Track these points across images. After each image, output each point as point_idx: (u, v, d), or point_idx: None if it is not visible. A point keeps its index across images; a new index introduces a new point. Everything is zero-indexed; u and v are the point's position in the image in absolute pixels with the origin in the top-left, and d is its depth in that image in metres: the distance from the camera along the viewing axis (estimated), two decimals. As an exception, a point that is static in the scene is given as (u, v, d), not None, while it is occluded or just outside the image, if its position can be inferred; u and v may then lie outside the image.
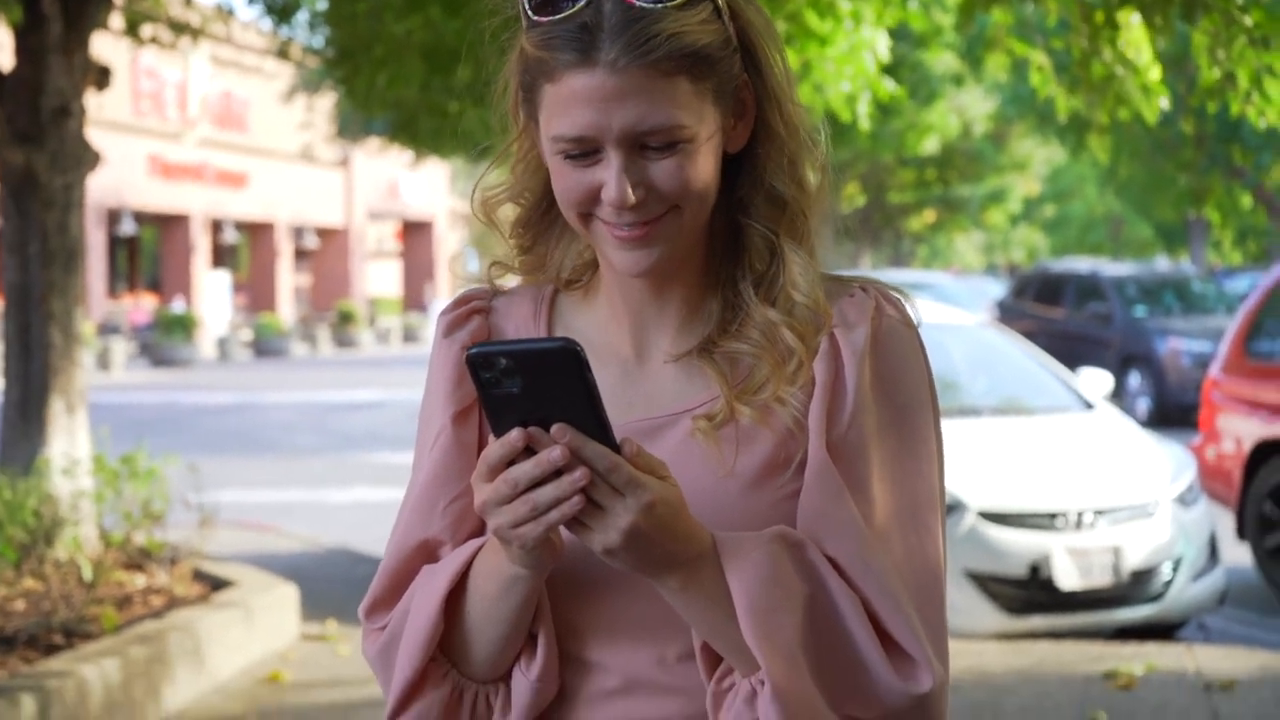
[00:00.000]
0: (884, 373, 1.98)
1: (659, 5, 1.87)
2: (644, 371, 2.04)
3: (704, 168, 1.92)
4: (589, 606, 1.96)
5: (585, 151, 1.91)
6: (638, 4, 1.87)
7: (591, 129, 1.88)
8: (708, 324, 2.02)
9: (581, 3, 1.87)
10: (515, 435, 1.74)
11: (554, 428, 1.74)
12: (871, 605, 1.88)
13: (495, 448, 1.76)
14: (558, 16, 1.88)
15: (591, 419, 1.74)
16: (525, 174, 2.08)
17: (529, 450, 1.75)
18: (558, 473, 1.73)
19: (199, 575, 8.97)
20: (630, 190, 1.89)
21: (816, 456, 1.92)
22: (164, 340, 39.86)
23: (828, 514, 1.90)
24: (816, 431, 1.93)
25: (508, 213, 2.13)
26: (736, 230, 2.02)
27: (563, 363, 1.72)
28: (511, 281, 2.18)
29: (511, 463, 1.75)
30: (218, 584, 8.85)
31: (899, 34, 27.10)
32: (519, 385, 1.73)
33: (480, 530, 1.99)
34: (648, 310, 2.04)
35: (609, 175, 1.90)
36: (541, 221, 2.11)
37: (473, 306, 2.13)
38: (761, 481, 1.94)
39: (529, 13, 1.91)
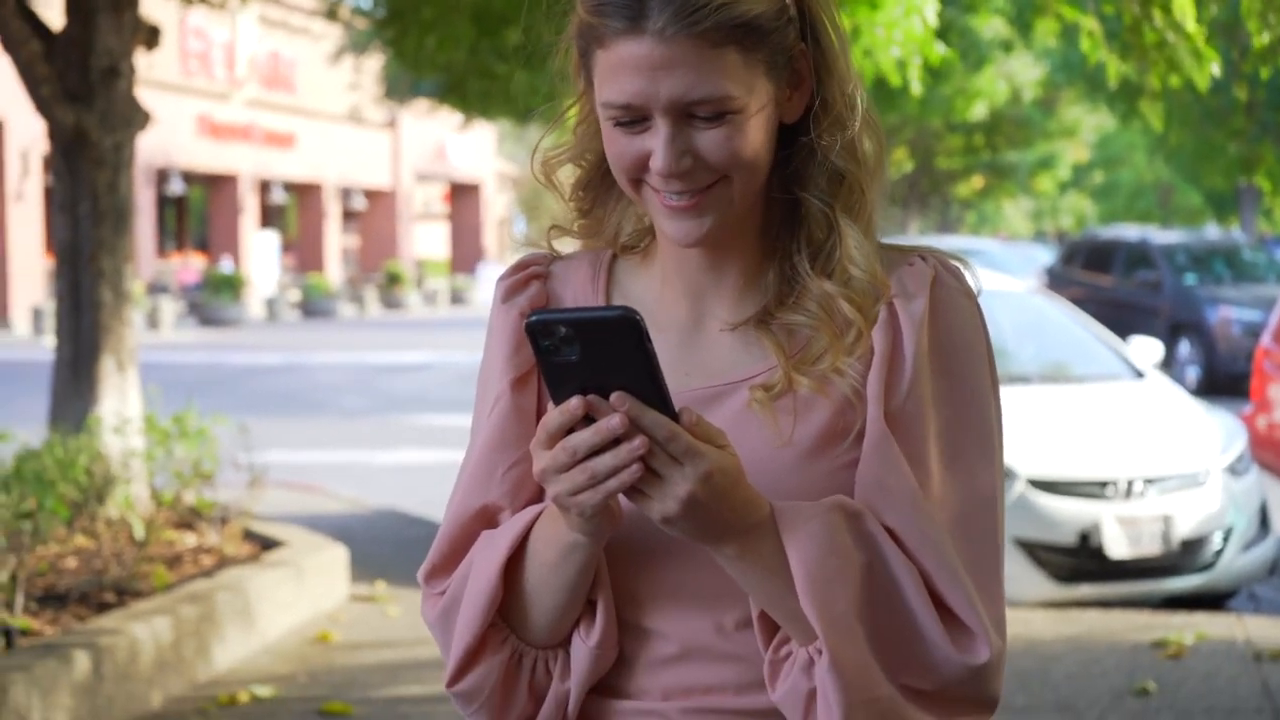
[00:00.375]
0: (943, 343, 1.97)
1: None
2: (701, 339, 2.02)
3: (754, 139, 1.90)
4: (647, 574, 1.96)
5: (634, 119, 1.90)
6: None
7: (639, 97, 1.87)
8: (765, 295, 2.01)
9: None
10: (574, 403, 1.74)
11: (613, 396, 1.73)
12: (929, 576, 1.87)
13: (554, 415, 1.75)
14: None
15: (650, 388, 1.74)
16: (586, 136, 2.07)
17: (588, 419, 1.74)
18: (616, 441, 1.73)
19: (249, 535, 9.01)
20: (677, 159, 1.88)
21: (874, 426, 1.91)
22: (212, 300, 40.06)
23: (886, 484, 1.89)
24: (875, 401, 1.91)
25: (567, 175, 2.12)
26: (794, 203, 2.01)
27: (622, 331, 1.71)
28: (568, 246, 2.17)
29: (570, 430, 1.75)
30: (267, 544, 8.89)
31: (948, -1, 26.95)
32: (578, 353, 1.72)
33: (539, 496, 1.99)
34: (705, 278, 2.03)
35: (657, 144, 1.89)
36: (601, 184, 2.09)
37: (531, 272, 2.12)
38: (819, 451, 1.93)
39: None
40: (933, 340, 1.96)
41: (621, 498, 1.78)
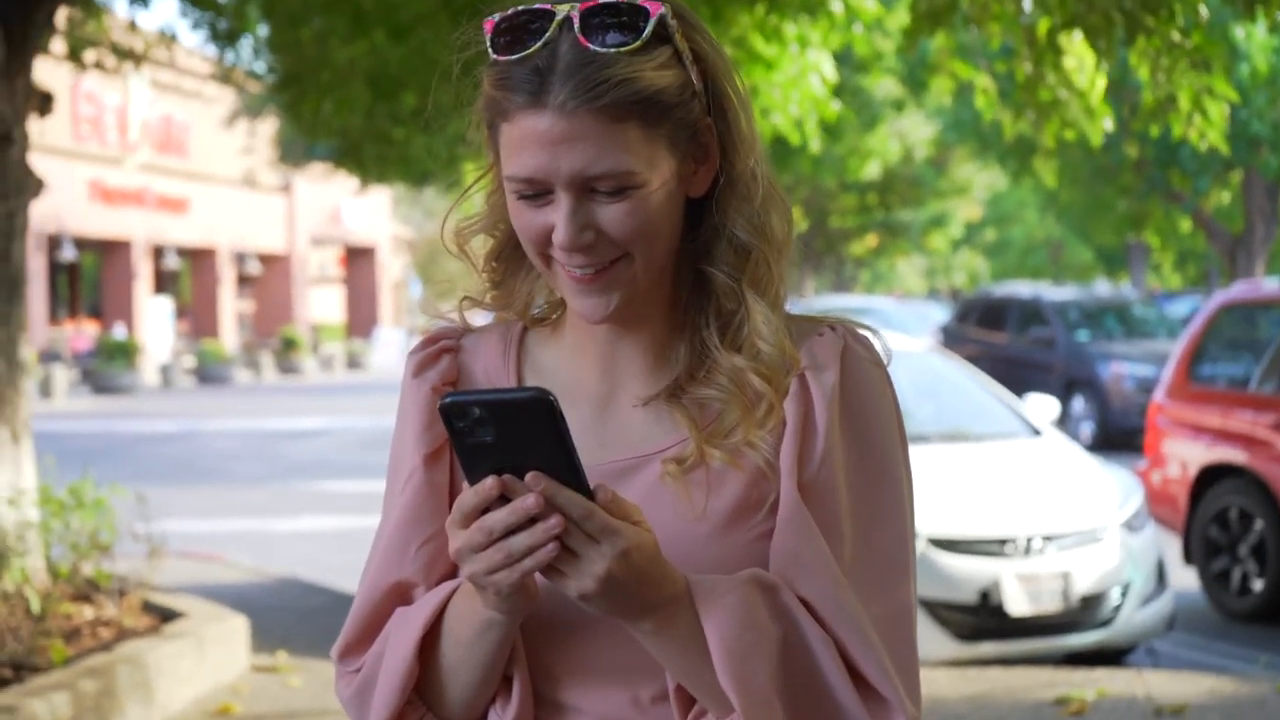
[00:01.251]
0: (854, 412, 1.98)
1: (612, 50, 1.86)
2: (614, 411, 2.03)
3: (656, 214, 1.91)
4: (563, 649, 1.95)
5: (537, 193, 1.90)
6: (591, 48, 1.86)
7: (540, 171, 1.88)
8: (675, 367, 2.02)
9: (538, 44, 1.87)
10: (490, 483, 1.74)
11: (528, 476, 1.73)
12: (845, 646, 1.88)
13: (470, 495, 1.75)
14: (514, 57, 1.88)
15: (566, 466, 1.74)
16: (498, 207, 2.07)
17: (503, 498, 1.74)
18: (532, 520, 1.73)
19: (148, 607, 8.90)
20: (578, 233, 1.89)
21: (788, 498, 1.92)
22: (106, 367, 39.64)
23: (800, 555, 1.90)
24: (788, 473, 1.93)
25: (479, 244, 2.12)
26: (702, 276, 2.02)
27: (536, 412, 1.71)
28: (479, 318, 2.17)
29: (486, 510, 1.75)
30: (167, 615, 8.78)
31: (841, 59, 27.19)
32: (492, 434, 1.73)
33: (453, 572, 1.98)
34: (616, 352, 2.03)
35: (558, 217, 1.89)
36: (513, 255, 2.09)
37: (442, 345, 2.12)
38: (733, 524, 1.94)
39: (491, 51, 1.91)
40: (844, 411, 1.97)
41: (538, 575, 1.78)
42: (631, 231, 1.89)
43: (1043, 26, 8.76)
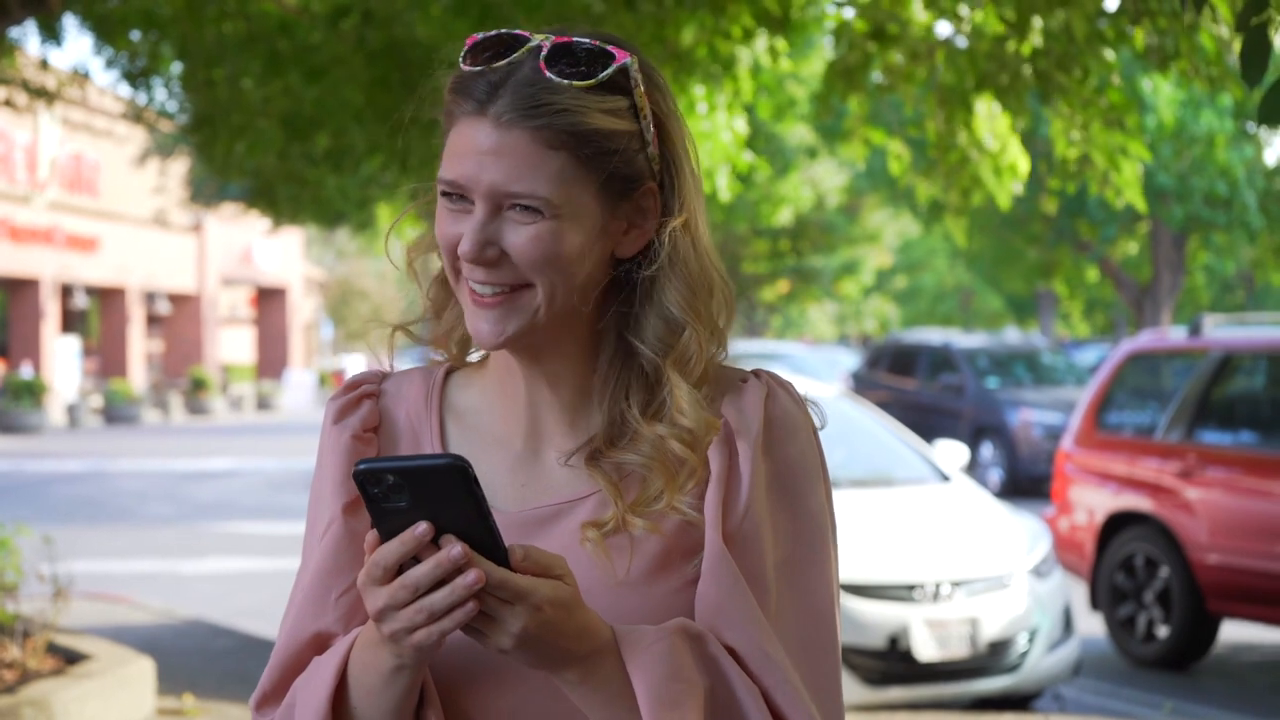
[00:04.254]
0: (778, 459, 1.99)
1: (564, 80, 1.88)
2: (537, 458, 2.03)
3: (566, 251, 1.91)
4: (488, 700, 1.95)
5: (460, 198, 1.91)
6: (546, 74, 1.89)
7: (464, 177, 1.90)
8: (591, 430, 2.01)
9: (503, 62, 1.90)
10: (424, 528, 1.74)
11: (442, 540, 1.74)
12: (770, 695, 1.89)
13: (390, 550, 1.75)
14: (476, 69, 1.91)
15: (481, 528, 1.75)
16: None
17: (417, 559, 1.75)
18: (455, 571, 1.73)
19: (53, 648, 8.80)
20: (481, 246, 1.90)
21: (713, 547, 1.92)
22: (12, 407, 39.23)
23: (725, 605, 1.90)
24: (712, 523, 1.93)
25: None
26: (626, 349, 2.01)
27: (450, 479, 1.72)
28: (401, 362, 2.17)
29: (403, 567, 1.75)
30: (72, 657, 8.69)
31: (753, 108, 27.33)
32: (407, 499, 1.74)
33: (373, 620, 1.98)
34: (536, 398, 2.03)
35: (467, 226, 1.90)
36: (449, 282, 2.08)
37: (363, 391, 2.12)
38: (656, 578, 1.94)
39: (461, 63, 1.93)
40: (768, 457, 1.99)
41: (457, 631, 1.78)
42: (534, 259, 1.89)
43: (953, 84, 8.83)
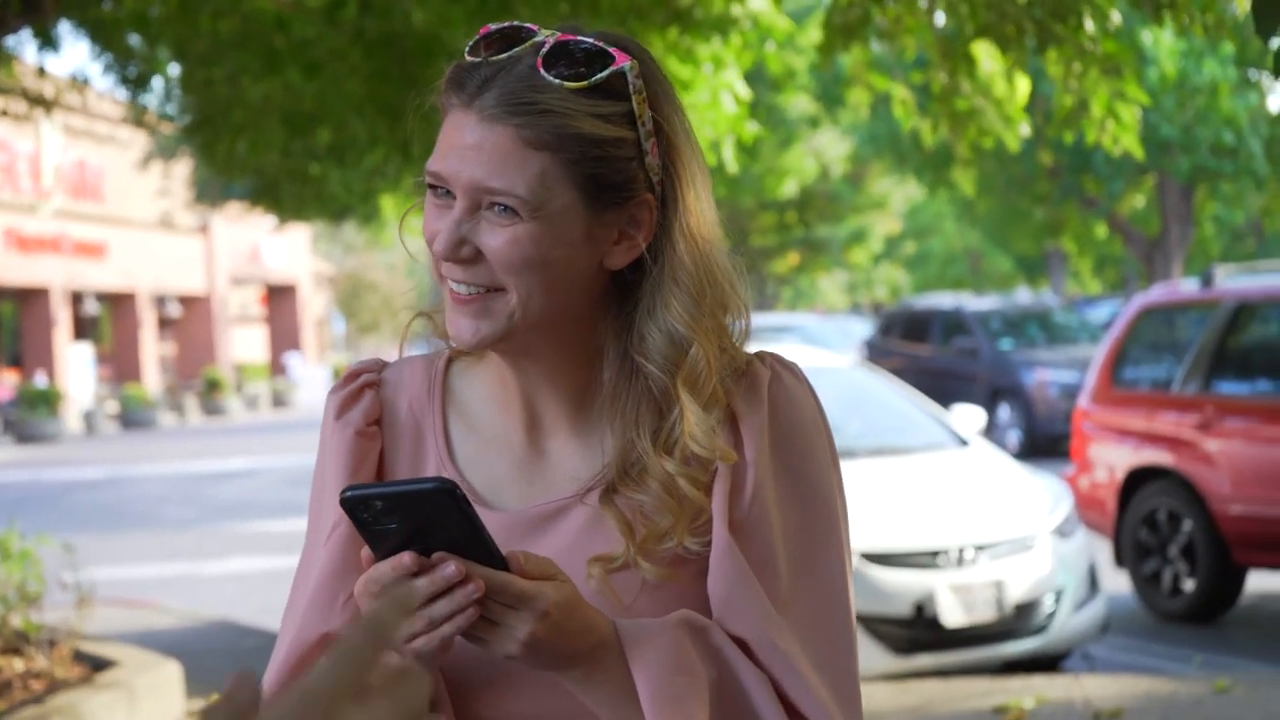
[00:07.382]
0: (784, 444, 1.96)
1: (556, 80, 1.84)
2: (538, 451, 2.00)
3: (544, 256, 1.86)
4: (495, 702, 1.93)
5: (447, 192, 1.88)
6: (540, 72, 1.84)
7: (446, 170, 1.86)
8: (603, 457, 1.96)
9: (503, 55, 1.86)
10: (408, 559, 1.72)
11: (436, 556, 1.72)
12: (780, 683, 1.86)
13: (386, 568, 1.74)
14: (475, 60, 1.88)
15: (475, 543, 1.72)
16: None
17: (416, 575, 1.73)
18: (453, 586, 1.72)
19: (79, 656, 8.81)
20: (456, 244, 1.86)
21: (720, 539, 1.90)
22: (28, 416, 39.29)
23: (732, 596, 1.88)
24: (719, 514, 1.91)
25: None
26: (632, 367, 1.95)
27: (440, 502, 1.69)
28: (411, 351, 2.14)
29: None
30: (99, 664, 8.69)
31: (754, 78, 27.31)
32: (397, 522, 1.72)
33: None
34: (534, 395, 2.00)
35: (444, 221, 1.87)
36: None
37: (364, 381, 2.08)
38: (660, 604, 1.91)
39: (467, 51, 1.90)
40: (774, 443, 1.95)
41: (461, 638, 1.77)
42: (509, 262, 1.85)
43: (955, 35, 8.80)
